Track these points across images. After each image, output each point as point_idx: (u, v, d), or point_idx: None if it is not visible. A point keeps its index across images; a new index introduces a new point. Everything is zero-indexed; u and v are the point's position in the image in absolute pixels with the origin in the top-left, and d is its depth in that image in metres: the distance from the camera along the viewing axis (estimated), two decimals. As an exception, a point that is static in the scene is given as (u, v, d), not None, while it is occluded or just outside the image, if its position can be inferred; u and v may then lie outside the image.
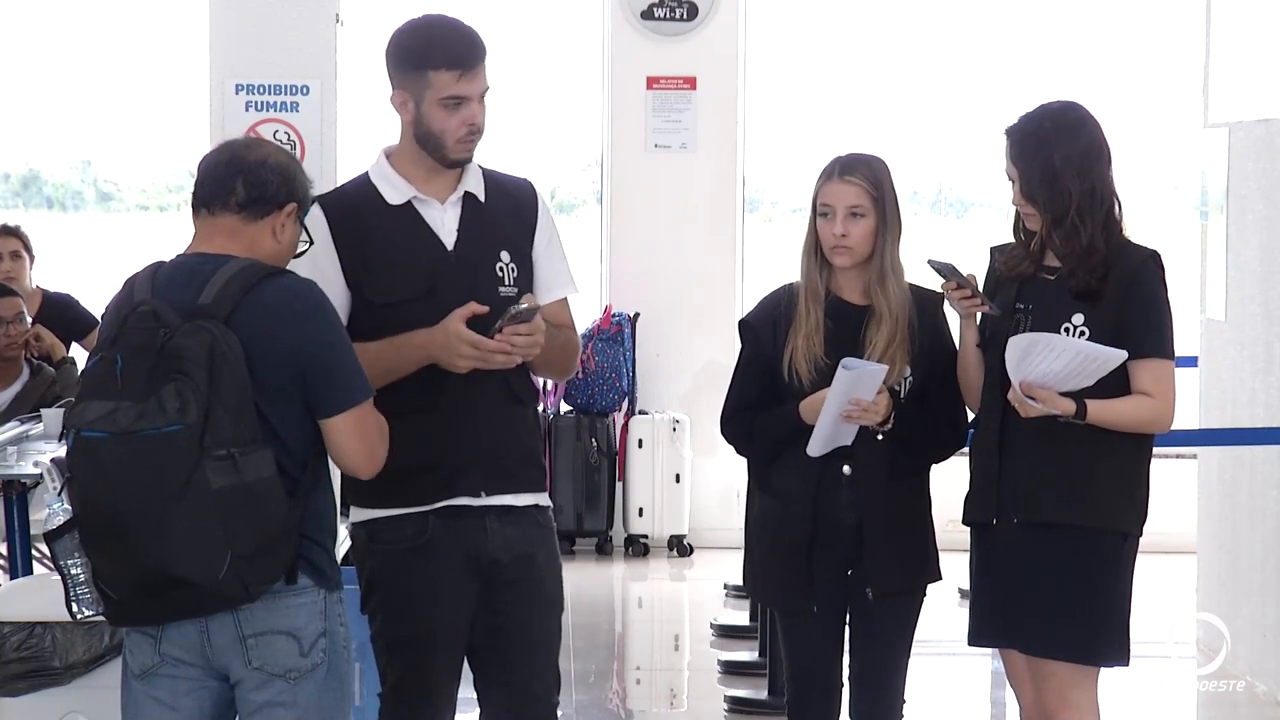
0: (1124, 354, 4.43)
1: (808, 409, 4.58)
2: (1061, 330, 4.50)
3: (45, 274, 8.64)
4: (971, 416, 4.75)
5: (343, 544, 4.80)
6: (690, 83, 10.17)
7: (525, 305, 4.19)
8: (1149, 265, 4.55)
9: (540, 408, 9.28)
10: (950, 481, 4.86)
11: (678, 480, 10.04)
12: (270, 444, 3.75)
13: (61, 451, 4.52)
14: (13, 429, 6.74)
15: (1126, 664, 4.63)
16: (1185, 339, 5.70)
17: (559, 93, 11.53)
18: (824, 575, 4.68)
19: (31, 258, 8.43)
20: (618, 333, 9.99)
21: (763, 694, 6.93)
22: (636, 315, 10.11)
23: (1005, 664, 4.78)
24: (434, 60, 4.24)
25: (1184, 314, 5.07)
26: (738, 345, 4.82)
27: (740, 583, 5.20)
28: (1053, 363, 4.39)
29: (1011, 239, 4.70)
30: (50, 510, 5.49)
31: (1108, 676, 4.70)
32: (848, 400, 4.51)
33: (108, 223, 18.04)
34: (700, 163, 10.22)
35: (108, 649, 4.81)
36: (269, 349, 3.77)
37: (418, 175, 4.32)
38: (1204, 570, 7.91)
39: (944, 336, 4.76)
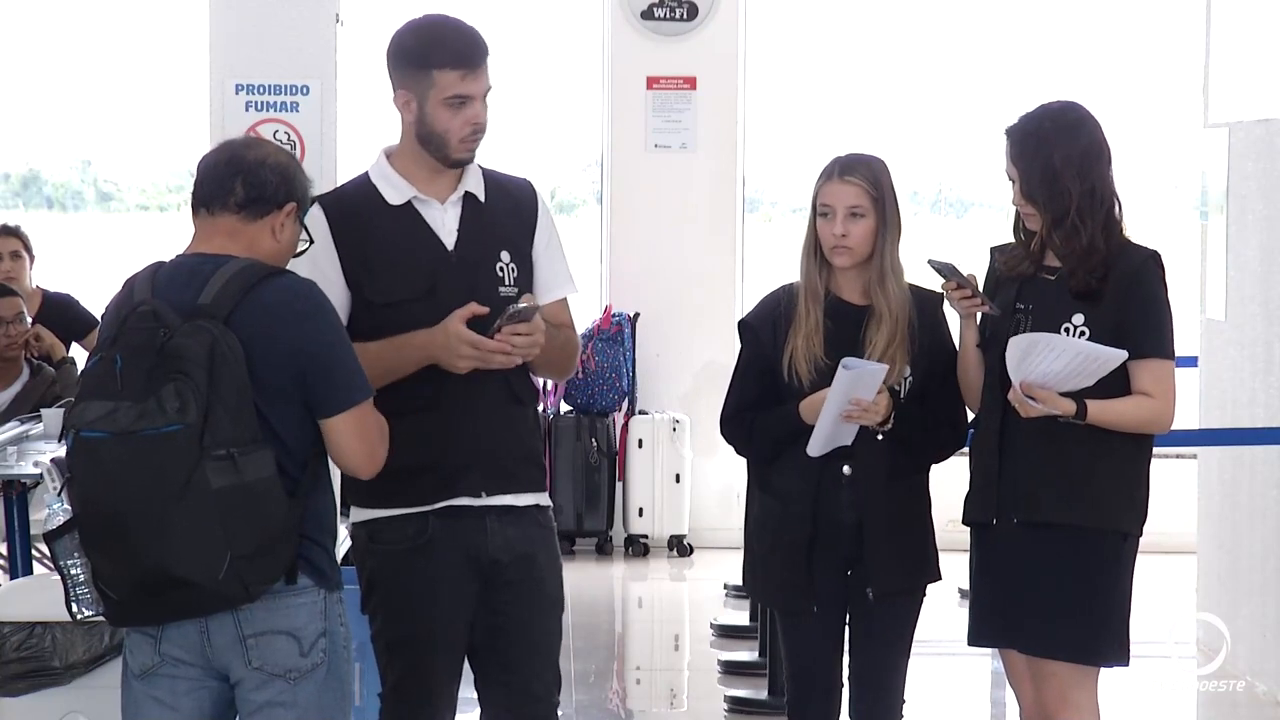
0: (1124, 354, 4.43)
1: (807, 409, 4.58)
2: (1062, 330, 4.50)
3: (45, 274, 8.64)
4: (971, 416, 4.75)
5: (343, 544, 4.81)
6: (690, 83, 10.17)
7: (525, 305, 4.19)
8: (1149, 265, 4.55)
9: (540, 408, 9.28)
10: (950, 481, 4.86)
11: (678, 480, 10.04)
12: (270, 444, 3.75)
13: (61, 451, 4.52)
14: (13, 429, 6.74)
15: (1126, 664, 4.63)
16: (1185, 339, 5.70)
17: (559, 93, 11.54)
18: (824, 575, 4.67)
19: (31, 258, 8.43)
20: (618, 333, 9.99)
21: (763, 694, 6.93)
22: (636, 315, 10.12)
23: (1005, 664, 4.77)
24: (438, 59, 4.23)
25: (1184, 314, 5.07)
26: (737, 345, 4.82)
27: (740, 583, 5.20)
28: (1053, 363, 4.39)
29: (1011, 239, 4.70)
30: (50, 510, 5.48)
31: (1108, 676, 4.69)
32: (848, 400, 4.51)
33: (108, 223, 18.05)
34: (700, 163, 10.22)
35: (108, 649, 4.81)
36: (269, 349, 3.77)
37: (418, 175, 4.32)
38: (1204, 570, 7.91)
39: (944, 336, 4.76)
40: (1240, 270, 7.49)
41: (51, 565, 4.00)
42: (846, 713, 4.79)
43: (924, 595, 4.77)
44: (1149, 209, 13.25)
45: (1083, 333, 4.50)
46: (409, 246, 4.28)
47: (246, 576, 3.73)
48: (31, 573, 6.28)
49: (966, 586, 4.74)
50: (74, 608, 3.92)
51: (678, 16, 10.16)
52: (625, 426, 10.07)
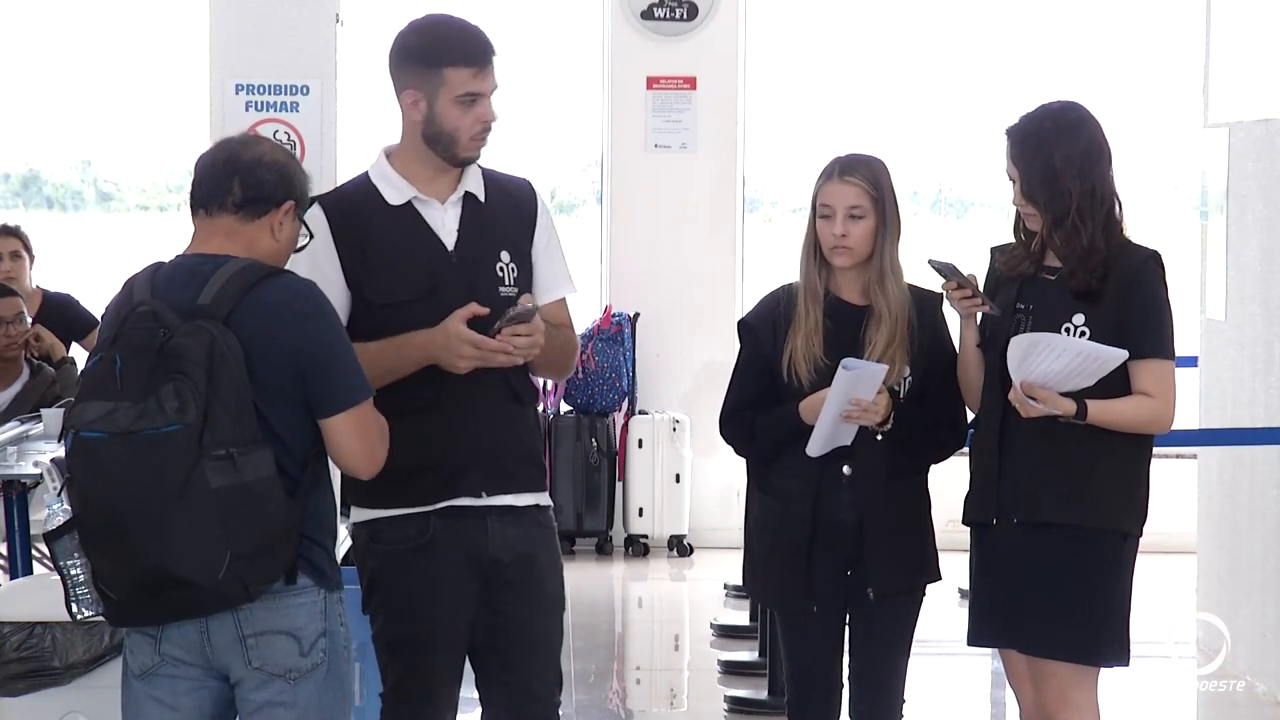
0: (1125, 354, 4.43)
1: (807, 409, 4.58)
2: (1062, 330, 4.50)
3: (45, 274, 8.64)
4: (971, 416, 4.75)
5: (343, 544, 4.81)
6: (690, 83, 10.17)
7: (525, 305, 4.19)
8: (1149, 265, 4.55)
9: (540, 408, 9.30)
10: (950, 481, 4.86)
11: (678, 480, 10.04)
12: (270, 444, 3.75)
13: (61, 451, 4.51)
14: (13, 429, 6.74)
15: (1126, 664, 4.63)
16: (1185, 339, 5.70)
17: (559, 93, 11.53)
18: (824, 575, 4.67)
19: (31, 258, 8.43)
20: (618, 333, 9.99)
21: (763, 694, 6.93)
22: (636, 315, 10.11)
23: (1005, 664, 4.77)
24: (449, 57, 4.23)
25: (1184, 314, 5.06)
26: (737, 345, 4.82)
27: (740, 583, 5.20)
28: (1053, 363, 4.39)
29: (1011, 239, 4.70)
30: (50, 510, 5.49)
31: (1108, 676, 4.69)
32: (848, 400, 4.50)
33: (108, 223, 18.05)
34: (700, 163, 10.22)
35: (108, 649, 4.81)
36: (268, 349, 3.77)
37: (420, 175, 4.31)
38: (1204, 570, 7.91)
39: (944, 336, 4.76)
40: (1240, 270, 7.49)
41: (51, 565, 4.00)
42: (846, 713, 4.79)
43: (924, 595, 4.77)
44: (1149, 209, 13.26)
45: (1083, 333, 4.50)
46: (409, 246, 4.27)
47: (246, 576, 3.73)
48: (31, 573, 6.28)
49: (966, 586, 4.74)
50: (74, 608, 3.92)
51: (678, 16, 10.16)
52: (625, 426, 10.07)
